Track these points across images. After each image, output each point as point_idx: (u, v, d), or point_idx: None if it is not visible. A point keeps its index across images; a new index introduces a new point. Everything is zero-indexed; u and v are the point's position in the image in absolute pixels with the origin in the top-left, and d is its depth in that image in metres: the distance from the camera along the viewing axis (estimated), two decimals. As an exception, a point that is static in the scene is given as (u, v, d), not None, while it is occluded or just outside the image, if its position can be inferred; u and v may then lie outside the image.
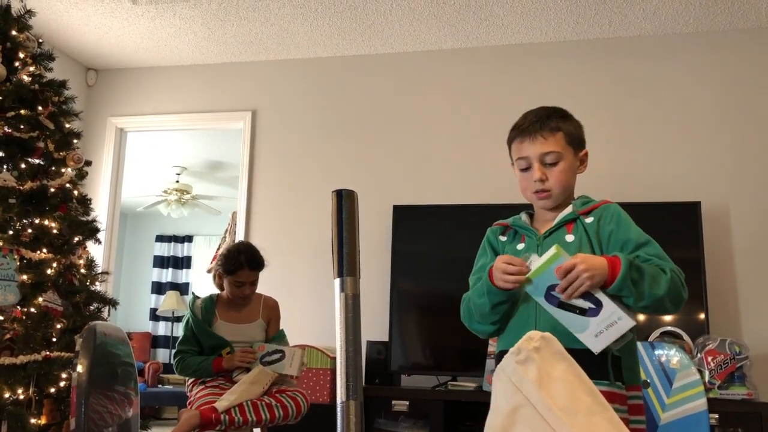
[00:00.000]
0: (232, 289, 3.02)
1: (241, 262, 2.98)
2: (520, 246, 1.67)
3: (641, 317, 3.53)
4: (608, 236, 1.61)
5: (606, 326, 1.43)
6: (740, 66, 3.94)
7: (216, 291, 3.15)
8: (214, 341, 2.97)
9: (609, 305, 1.43)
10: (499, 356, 1.58)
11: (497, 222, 1.80)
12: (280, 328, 3.15)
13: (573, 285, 1.44)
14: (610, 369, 1.49)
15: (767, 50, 3.92)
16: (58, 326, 2.83)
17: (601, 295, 1.44)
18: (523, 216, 1.75)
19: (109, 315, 3.29)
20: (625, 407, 1.51)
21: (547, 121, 1.66)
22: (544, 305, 1.49)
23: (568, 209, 1.67)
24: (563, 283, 1.44)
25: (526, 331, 1.49)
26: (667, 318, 3.48)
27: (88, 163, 3.27)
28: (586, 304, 1.44)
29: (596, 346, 1.44)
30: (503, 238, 1.74)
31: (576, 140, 1.70)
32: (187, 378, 3.04)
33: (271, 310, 3.15)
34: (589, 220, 1.65)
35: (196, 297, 3.10)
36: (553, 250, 1.45)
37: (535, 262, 1.48)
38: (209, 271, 3.17)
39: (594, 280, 1.44)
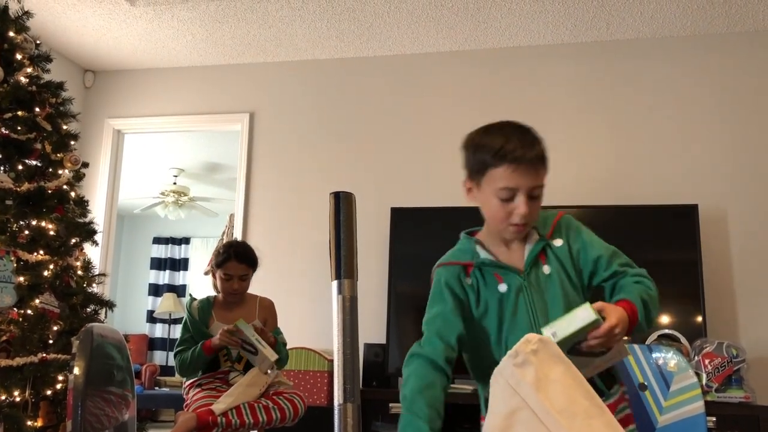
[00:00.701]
0: (222, 284, 3.02)
1: (229, 253, 2.99)
2: (503, 287, 1.52)
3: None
4: (576, 256, 1.54)
5: (606, 361, 1.43)
6: (738, 69, 3.95)
7: (214, 293, 3.15)
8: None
9: (618, 344, 1.42)
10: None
11: (447, 261, 1.61)
12: (278, 328, 3.15)
13: (606, 345, 1.36)
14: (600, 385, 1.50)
15: (765, 53, 3.93)
16: (55, 328, 2.82)
17: None
18: (479, 249, 1.58)
19: (106, 317, 3.28)
20: (626, 403, 1.55)
21: (538, 148, 1.49)
22: (566, 356, 1.44)
23: (534, 236, 1.55)
24: (596, 342, 1.34)
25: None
26: (665, 321, 3.49)
27: (86, 165, 3.26)
28: (599, 349, 1.40)
29: (587, 374, 1.41)
30: (469, 281, 1.56)
31: (546, 169, 1.54)
32: (184, 380, 3.04)
33: (267, 310, 3.15)
34: (558, 243, 1.55)
35: (193, 298, 3.10)
36: (592, 316, 1.33)
37: (564, 324, 1.35)
38: (206, 273, 3.16)
39: (623, 335, 1.37)
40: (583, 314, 1.34)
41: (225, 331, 2.86)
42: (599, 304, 1.37)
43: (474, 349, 1.58)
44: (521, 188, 1.47)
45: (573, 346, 1.38)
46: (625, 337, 1.42)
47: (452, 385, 3.90)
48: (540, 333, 1.36)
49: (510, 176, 1.47)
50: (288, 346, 3.16)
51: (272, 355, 2.82)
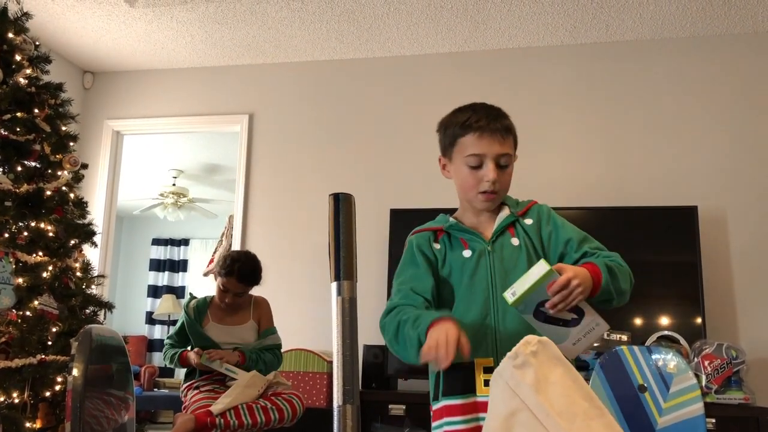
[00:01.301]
0: (218, 292, 3.05)
1: (233, 270, 2.99)
2: (467, 253, 1.60)
3: (638, 321, 3.53)
4: (548, 237, 1.61)
5: (584, 333, 1.45)
6: (737, 70, 3.95)
7: (212, 293, 3.17)
8: (202, 342, 3.00)
9: (591, 314, 1.45)
10: (446, 372, 1.52)
11: (419, 228, 1.70)
12: (273, 325, 3.16)
13: (567, 300, 1.40)
14: None
15: (764, 55, 3.94)
16: (54, 330, 2.82)
17: (584, 304, 1.45)
18: (451, 219, 1.68)
19: (104, 318, 3.28)
20: None
21: (503, 121, 1.61)
22: (531, 322, 1.45)
23: (505, 211, 1.64)
24: (557, 298, 1.39)
25: (483, 345, 1.51)
26: (664, 322, 3.49)
27: (85, 166, 3.26)
28: (569, 316, 1.44)
29: (573, 353, 1.45)
30: (437, 246, 1.65)
31: (516, 144, 1.66)
32: (182, 382, 3.06)
33: (260, 307, 3.16)
34: (528, 221, 1.63)
35: (192, 297, 3.12)
36: (545, 267, 1.40)
37: (521, 282, 1.42)
38: (206, 275, 3.17)
39: (585, 293, 1.42)
40: (537, 269, 1.41)
41: (196, 362, 2.93)
42: (558, 264, 1.44)
43: (440, 309, 1.62)
44: (488, 154, 1.58)
45: (539, 311, 1.43)
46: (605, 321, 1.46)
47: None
48: (497, 296, 1.52)
49: (477, 143, 1.59)
50: (287, 348, 3.17)
51: (263, 376, 2.90)
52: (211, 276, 3.23)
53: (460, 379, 1.52)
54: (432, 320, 1.42)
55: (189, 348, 3.05)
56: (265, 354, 3.04)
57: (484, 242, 1.61)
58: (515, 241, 1.59)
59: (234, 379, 2.91)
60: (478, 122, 1.60)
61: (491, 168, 1.58)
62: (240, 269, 2.99)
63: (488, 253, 1.59)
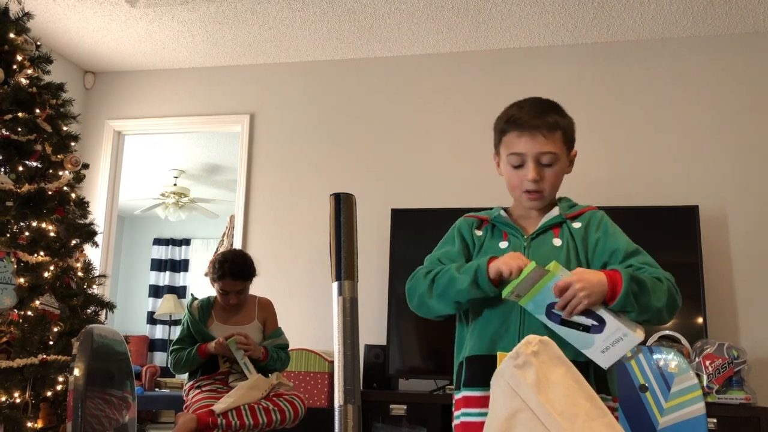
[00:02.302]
0: (220, 297, 3.04)
1: (224, 270, 2.98)
2: (503, 244, 1.59)
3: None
4: (595, 244, 1.56)
5: (612, 342, 1.39)
6: (738, 70, 3.95)
7: (214, 293, 3.16)
8: (207, 342, 2.98)
9: (612, 322, 1.39)
10: (468, 361, 1.54)
11: (470, 214, 1.70)
12: (279, 327, 3.16)
13: (571, 303, 1.38)
14: (593, 382, 1.43)
15: (764, 55, 3.93)
16: (55, 329, 2.82)
17: (603, 312, 1.40)
18: (501, 212, 1.65)
19: (106, 318, 3.28)
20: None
21: (547, 118, 1.56)
22: (547, 323, 1.44)
23: (554, 211, 1.60)
24: (560, 301, 1.39)
25: (504, 342, 1.48)
26: (665, 322, 3.49)
27: (86, 166, 3.26)
28: (588, 321, 1.40)
29: (605, 362, 1.41)
30: (479, 233, 1.64)
31: (570, 140, 1.61)
32: (185, 381, 3.05)
33: (266, 309, 3.16)
34: (576, 225, 1.58)
35: (194, 298, 3.11)
36: (550, 267, 1.40)
37: (522, 287, 1.41)
38: (207, 275, 3.16)
39: (592, 298, 1.38)
40: (529, 267, 1.40)
41: (219, 342, 2.88)
42: (577, 269, 1.43)
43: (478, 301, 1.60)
44: (528, 153, 1.55)
45: (552, 313, 1.42)
46: (640, 331, 1.41)
47: (451, 387, 3.89)
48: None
49: (516, 141, 1.57)
50: (289, 348, 3.17)
51: (267, 379, 2.88)
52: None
53: (482, 370, 1.49)
54: (489, 257, 1.49)
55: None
56: (281, 353, 3.06)
57: (523, 238, 1.58)
58: (557, 242, 1.55)
59: (237, 379, 2.91)
60: (518, 120, 1.57)
61: (531, 167, 1.55)
62: (231, 268, 2.99)
63: (524, 248, 1.56)
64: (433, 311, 1.58)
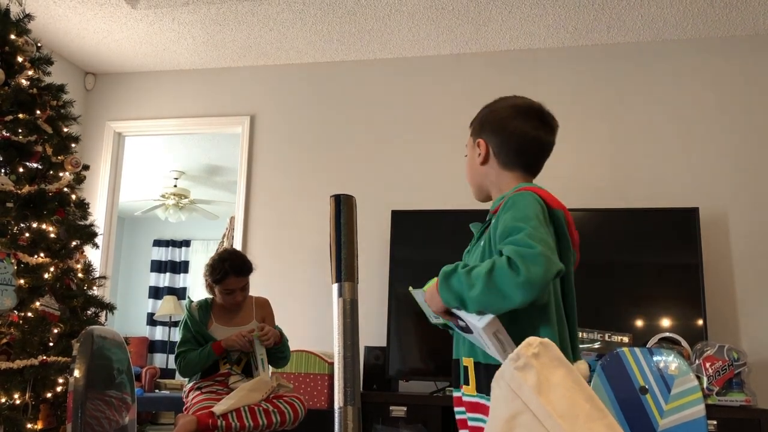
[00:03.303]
0: (223, 298, 3.03)
1: (226, 270, 2.99)
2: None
3: (639, 323, 3.52)
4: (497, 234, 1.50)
5: (481, 336, 1.38)
6: (738, 72, 3.95)
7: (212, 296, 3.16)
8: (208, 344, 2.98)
9: (466, 318, 1.41)
10: (452, 364, 1.61)
11: None
12: (276, 324, 3.16)
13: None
14: (461, 375, 1.51)
15: (765, 57, 3.94)
16: (55, 331, 2.82)
17: (459, 312, 1.43)
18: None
19: (106, 320, 3.28)
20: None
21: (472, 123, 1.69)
22: (458, 332, 1.53)
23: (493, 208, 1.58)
24: None
25: (458, 344, 1.57)
26: (665, 324, 3.48)
27: (86, 168, 3.26)
28: (462, 323, 1.44)
29: (500, 357, 1.37)
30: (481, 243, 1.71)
31: (475, 131, 1.66)
32: (186, 382, 3.04)
33: (264, 308, 3.17)
34: (493, 219, 1.52)
35: (191, 300, 3.11)
36: (415, 291, 1.54)
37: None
38: (205, 279, 3.16)
39: (433, 305, 1.46)
40: (415, 293, 1.55)
41: (242, 334, 2.89)
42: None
43: None
44: None
45: (451, 323, 1.50)
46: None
47: (451, 389, 3.88)
48: None
49: None
50: (281, 365, 3.18)
51: (268, 381, 2.90)
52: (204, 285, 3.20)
53: (453, 373, 1.60)
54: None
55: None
56: (286, 346, 3.10)
57: (474, 239, 1.63)
58: (482, 242, 1.55)
59: (238, 381, 2.91)
60: None
61: None
62: (232, 266, 3.01)
63: (467, 254, 1.62)
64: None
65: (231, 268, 3.00)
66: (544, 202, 1.47)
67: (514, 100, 1.68)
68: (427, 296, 1.48)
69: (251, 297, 3.18)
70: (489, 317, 1.35)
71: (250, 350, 2.93)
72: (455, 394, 1.57)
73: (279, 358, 3.07)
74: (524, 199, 1.45)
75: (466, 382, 1.49)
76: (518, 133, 1.58)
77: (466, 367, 1.50)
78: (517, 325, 1.41)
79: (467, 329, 1.44)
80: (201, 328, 2.99)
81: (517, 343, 1.31)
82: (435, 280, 1.48)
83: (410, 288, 1.57)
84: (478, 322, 1.37)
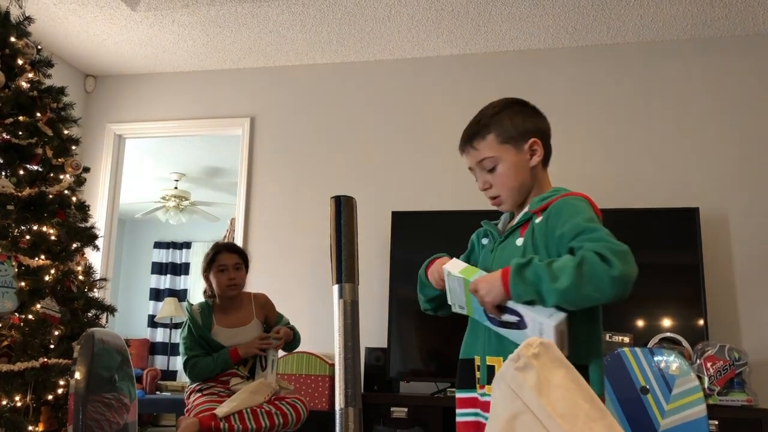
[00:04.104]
0: (218, 279, 3.04)
1: (219, 247, 3.11)
2: (485, 241, 1.67)
3: (640, 323, 3.52)
4: (555, 235, 1.47)
5: (543, 333, 1.35)
6: (738, 71, 3.95)
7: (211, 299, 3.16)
8: (213, 347, 2.98)
9: (527, 314, 1.38)
10: (459, 364, 1.59)
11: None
12: (279, 314, 3.20)
13: (482, 304, 1.43)
14: (484, 374, 1.49)
15: (764, 56, 3.94)
16: (56, 333, 2.82)
17: (517, 306, 1.39)
18: (504, 217, 1.68)
19: (107, 322, 3.28)
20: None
21: (474, 128, 1.64)
22: (492, 327, 1.48)
23: (525, 208, 1.58)
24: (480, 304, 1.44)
25: (477, 345, 1.54)
26: (666, 324, 3.48)
27: (87, 170, 3.26)
28: (513, 318, 1.40)
29: None
30: (485, 241, 1.69)
31: (513, 136, 1.59)
32: (187, 384, 3.04)
33: (264, 305, 3.18)
34: (538, 219, 1.52)
35: (191, 303, 3.10)
36: (463, 274, 1.46)
37: (456, 297, 1.51)
38: (203, 273, 3.17)
39: (490, 297, 1.40)
40: (450, 279, 1.49)
41: (259, 344, 2.97)
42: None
43: None
44: (472, 167, 1.66)
45: (488, 316, 1.45)
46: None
47: (452, 390, 3.85)
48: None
49: (465, 160, 1.69)
50: (293, 350, 3.21)
51: (272, 383, 2.93)
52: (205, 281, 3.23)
53: (464, 373, 1.57)
54: (429, 261, 1.64)
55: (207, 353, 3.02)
56: (297, 332, 3.14)
57: (495, 242, 1.61)
58: (519, 241, 1.53)
59: (239, 383, 2.91)
60: (461, 140, 1.68)
61: (478, 178, 1.63)
62: (222, 244, 3.16)
63: (493, 251, 1.59)
64: (422, 306, 1.74)
65: (223, 246, 3.14)
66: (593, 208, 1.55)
67: (522, 100, 1.74)
68: (483, 286, 1.41)
69: (249, 294, 3.17)
70: (562, 315, 1.34)
71: (271, 347, 2.98)
72: (463, 395, 1.54)
73: (290, 347, 3.14)
74: (583, 202, 1.52)
75: (490, 382, 1.45)
76: (549, 131, 1.67)
77: (491, 366, 1.48)
78: (574, 321, 1.39)
79: (514, 325, 1.40)
80: (204, 332, 2.98)
81: (576, 339, 1.38)
82: (472, 270, 1.47)
83: (447, 269, 1.49)
84: (548, 318, 1.34)
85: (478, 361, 1.52)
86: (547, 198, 1.55)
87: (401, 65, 4.41)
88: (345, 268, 1.08)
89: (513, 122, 1.62)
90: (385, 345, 3.74)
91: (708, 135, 3.92)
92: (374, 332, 3.83)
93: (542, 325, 1.35)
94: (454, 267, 1.52)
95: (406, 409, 3.45)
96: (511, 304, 1.40)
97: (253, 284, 3.16)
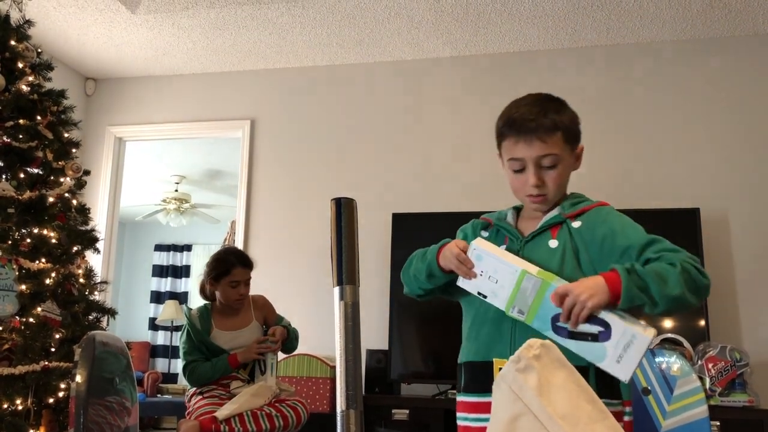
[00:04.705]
0: (227, 292, 3.00)
1: (232, 261, 3.01)
2: (503, 248, 1.55)
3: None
4: (600, 243, 1.46)
5: (624, 348, 1.30)
6: (738, 72, 3.95)
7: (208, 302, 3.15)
8: (213, 351, 2.97)
9: (618, 325, 1.31)
10: (464, 366, 1.54)
11: (483, 216, 1.67)
12: (279, 316, 3.18)
13: (574, 311, 1.32)
14: (594, 386, 1.36)
15: (763, 57, 3.94)
16: (57, 336, 2.82)
17: (607, 316, 1.33)
18: (510, 214, 1.62)
19: (108, 325, 3.28)
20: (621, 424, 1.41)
21: (543, 119, 1.49)
22: (555, 339, 1.36)
23: (555, 211, 1.54)
24: (564, 311, 1.33)
25: (498, 347, 1.46)
26: (668, 325, 3.48)
27: (87, 173, 3.27)
28: (595, 329, 1.33)
29: (623, 373, 1.32)
30: (485, 234, 1.62)
31: (573, 137, 1.54)
32: (188, 387, 3.04)
33: (263, 307, 3.17)
34: (576, 224, 1.50)
35: (190, 308, 3.09)
36: (545, 277, 1.36)
37: (522, 302, 1.38)
38: (208, 276, 3.13)
39: (594, 300, 1.31)
40: (511, 276, 1.38)
41: (256, 348, 2.95)
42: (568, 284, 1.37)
43: (468, 302, 1.59)
44: (527, 158, 1.50)
45: (558, 326, 1.36)
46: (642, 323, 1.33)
47: (454, 392, 3.86)
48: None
49: (514, 147, 1.51)
50: (292, 351, 3.19)
51: (273, 386, 2.92)
52: (199, 287, 3.20)
53: (478, 376, 1.50)
54: (442, 243, 1.55)
55: (207, 358, 3.01)
56: (293, 332, 3.11)
57: (519, 240, 1.53)
58: (553, 243, 1.48)
59: (240, 386, 2.91)
60: (515, 123, 1.51)
61: (532, 173, 1.50)
62: (238, 257, 3.04)
63: (518, 251, 1.51)
64: (410, 293, 1.69)
65: (237, 259, 3.02)
66: None
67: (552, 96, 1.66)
68: (583, 290, 1.32)
69: (248, 296, 3.17)
70: (653, 329, 1.32)
71: (269, 350, 2.97)
72: (472, 399, 1.50)
73: (288, 348, 3.11)
74: (621, 215, 1.54)
75: None
76: None
77: None
78: None
79: (592, 337, 1.32)
80: (203, 336, 2.98)
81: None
82: (549, 273, 1.38)
83: (524, 270, 1.38)
84: (644, 331, 1.30)
85: (500, 365, 1.41)
86: (578, 203, 1.55)
87: (401, 67, 4.41)
88: (346, 270, 1.08)
89: (574, 123, 1.56)
90: (386, 347, 3.74)
91: (708, 135, 3.92)
92: (375, 334, 3.83)
93: (634, 337, 1.30)
94: (491, 249, 1.45)
95: (407, 411, 3.45)
96: (603, 313, 1.32)
97: (254, 286, 3.15)
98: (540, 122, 1.49)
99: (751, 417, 3.11)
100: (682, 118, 3.97)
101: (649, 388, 2.13)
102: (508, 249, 1.53)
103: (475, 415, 1.49)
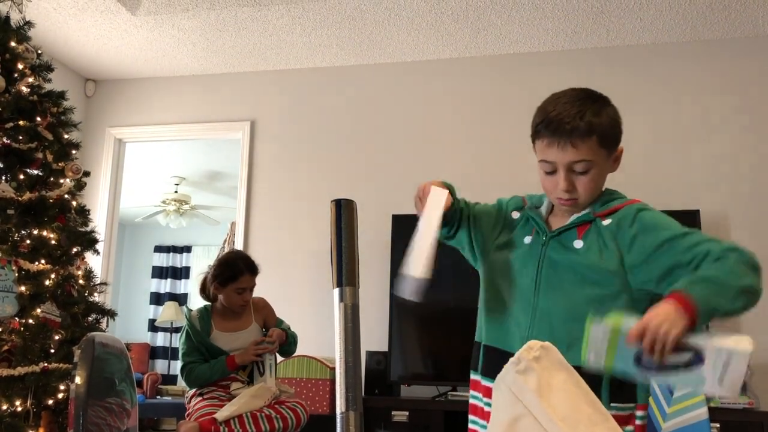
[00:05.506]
0: (232, 297, 3.00)
1: (241, 268, 3.00)
2: (527, 239, 1.52)
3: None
4: (631, 241, 1.41)
5: (723, 367, 1.21)
6: (738, 74, 3.96)
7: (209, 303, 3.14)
8: (212, 352, 2.97)
9: (708, 347, 1.22)
10: (485, 349, 1.51)
11: (525, 195, 1.63)
12: (278, 318, 3.18)
13: (657, 346, 1.22)
14: (605, 392, 1.36)
15: (763, 58, 3.94)
16: (57, 337, 2.82)
17: (693, 340, 1.24)
18: (545, 204, 1.57)
19: (107, 326, 3.28)
20: (631, 427, 1.39)
21: (579, 122, 1.41)
22: (643, 378, 1.29)
23: (586, 209, 1.49)
24: (646, 348, 1.23)
25: (520, 332, 1.44)
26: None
27: (87, 174, 3.27)
28: (684, 357, 1.24)
29: (730, 392, 1.22)
30: (516, 215, 1.59)
31: (610, 140, 1.47)
32: (188, 389, 3.03)
33: (263, 309, 3.17)
34: (606, 222, 1.46)
35: (190, 309, 3.09)
36: (611, 323, 1.26)
37: (596, 348, 1.27)
38: (212, 280, 3.11)
39: (675, 330, 1.21)
40: (606, 327, 1.27)
41: (254, 350, 2.94)
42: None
43: (489, 282, 1.57)
44: (558, 162, 1.44)
45: (644, 365, 1.27)
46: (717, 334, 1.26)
47: (453, 393, 3.85)
48: (538, 294, 1.45)
49: (547, 149, 1.46)
50: (289, 355, 3.18)
51: (272, 387, 2.92)
52: (199, 288, 3.19)
53: (499, 365, 1.49)
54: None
55: (205, 360, 3.01)
56: (292, 334, 3.11)
57: (544, 234, 1.50)
58: (578, 244, 1.45)
59: (240, 388, 2.90)
60: (549, 124, 1.44)
61: (562, 177, 1.44)
62: (246, 264, 3.02)
63: (542, 245, 1.48)
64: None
65: (246, 266, 3.01)
66: None
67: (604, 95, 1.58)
68: (659, 322, 1.21)
69: None
70: (747, 337, 1.22)
71: (268, 352, 2.97)
72: (490, 384, 1.42)
73: (286, 351, 3.11)
74: (653, 211, 1.51)
75: None
76: None
77: None
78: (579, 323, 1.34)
79: (683, 366, 1.24)
80: (203, 337, 2.97)
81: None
82: (617, 318, 1.26)
83: (591, 323, 1.27)
84: (738, 345, 1.21)
85: None
86: (609, 202, 1.50)
87: (401, 68, 4.41)
88: (345, 272, 1.08)
89: (612, 125, 1.48)
90: (386, 348, 3.74)
91: (708, 136, 3.92)
92: (375, 336, 3.83)
93: (730, 353, 1.21)
94: (438, 202, 1.47)
95: (407, 413, 3.44)
96: (688, 339, 1.24)
97: (254, 288, 3.14)
98: (575, 125, 1.42)
99: (751, 419, 3.11)
100: (682, 119, 3.97)
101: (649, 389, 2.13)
102: (532, 242, 1.51)
103: (490, 399, 1.45)
